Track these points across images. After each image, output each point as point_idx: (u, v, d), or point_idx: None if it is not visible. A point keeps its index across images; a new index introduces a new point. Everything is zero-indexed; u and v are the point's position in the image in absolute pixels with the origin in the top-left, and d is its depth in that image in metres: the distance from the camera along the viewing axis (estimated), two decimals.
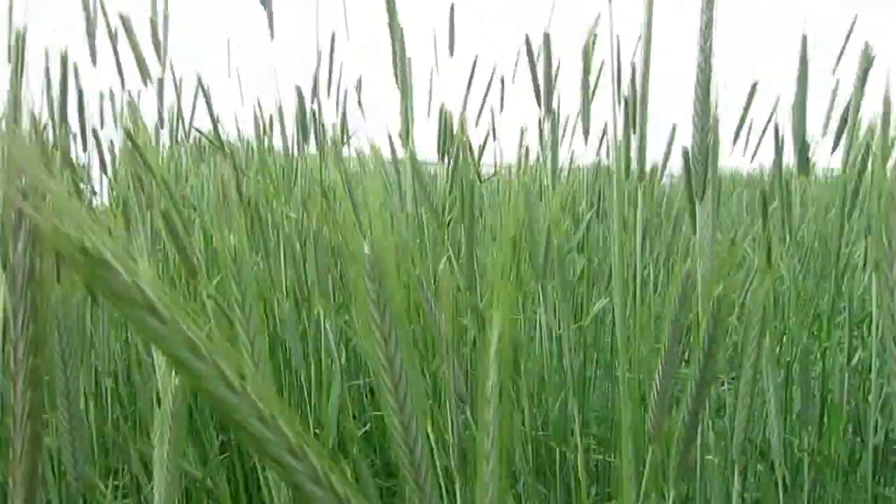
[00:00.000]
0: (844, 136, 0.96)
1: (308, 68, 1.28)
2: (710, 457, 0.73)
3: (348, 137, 1.24)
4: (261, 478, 1.07)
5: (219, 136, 1.45)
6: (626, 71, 1.04)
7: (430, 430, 0.66)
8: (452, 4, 1.15)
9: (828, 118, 0.96)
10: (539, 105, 1.08)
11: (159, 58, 1.38)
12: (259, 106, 1.29)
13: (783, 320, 1.17)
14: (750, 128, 1.43)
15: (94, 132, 1.40)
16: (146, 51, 1.34)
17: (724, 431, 0.91)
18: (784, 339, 1.16)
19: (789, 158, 0.99)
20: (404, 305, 0.61)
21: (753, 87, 1.01)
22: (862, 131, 0.95)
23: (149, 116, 1.53)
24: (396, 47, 0.98)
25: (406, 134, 0.97)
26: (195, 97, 1.49)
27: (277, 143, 1.36)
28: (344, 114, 1.22)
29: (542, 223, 0.96)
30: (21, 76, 1.20)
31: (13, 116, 1.19)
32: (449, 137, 1.09)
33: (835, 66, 1.07)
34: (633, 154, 0.80)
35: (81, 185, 1.33)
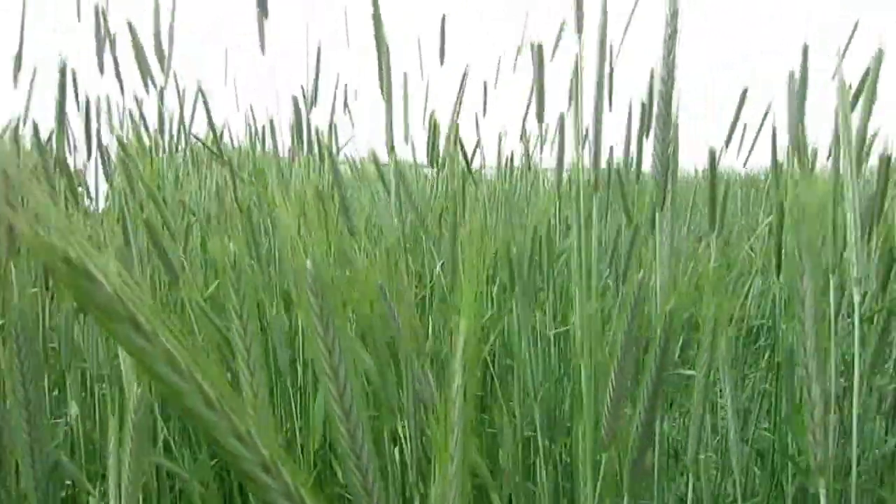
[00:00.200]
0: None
1: (304, 73, 1.30)
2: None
3: (338, 148, 1.27)
4: None
5: (218, 144, 1.47)
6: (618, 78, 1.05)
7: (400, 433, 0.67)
8: (444, 15, 1.17)
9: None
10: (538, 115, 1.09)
11: (162, 68, 1.40)
12: (252, 113, 1.31)
13: (772, 321, 1.18)
14: (744, 131, 1.44)
15: (99, 139, 1.43)
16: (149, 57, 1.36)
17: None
18: (773, 341, 1.16)
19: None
20: (378, 311, 0.62)
21: (744, 93, 1.01)
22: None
23: (149, 120, 1.57)
24: (382, 60, 0.99)
25: (390, 145, 0.99)
26: (195, 104, 1.51)
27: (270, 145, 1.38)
28: (332, 124, 1.24)
29: (528, 229, 0.97)
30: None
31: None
32: (436, 145, 1.11)
33: (835, 72, 1.07)
34: (597, 161, 0.81)
35: (81, 192, 1.36)
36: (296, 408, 1.03)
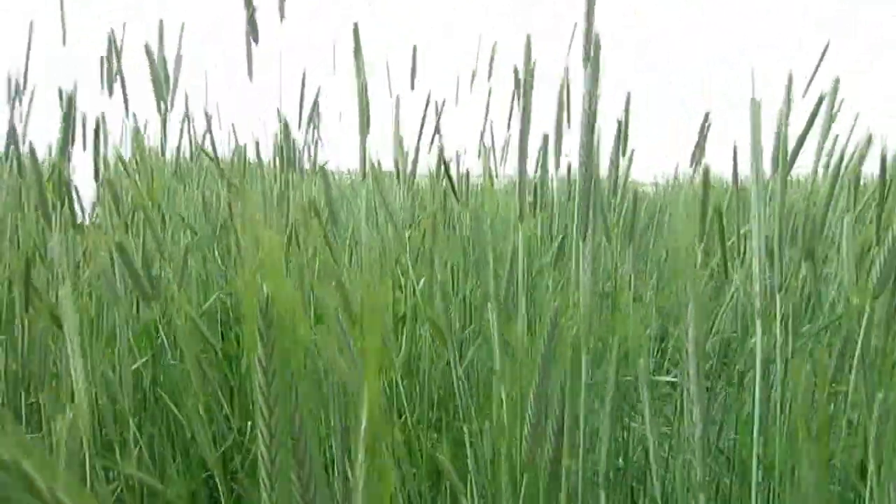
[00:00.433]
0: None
1: (289, 96, 1.34)
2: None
3: (321, 166, 1.31)
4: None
5: (218, 160, 1.53)
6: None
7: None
8: (415, 46, 1.21)
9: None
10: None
11: (167, 92, 1.46)
12: (234, 131, 1.36)
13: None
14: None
15: (105, 160, 1.49)
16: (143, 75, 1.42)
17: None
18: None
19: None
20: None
21: (706, 117, 1.02)
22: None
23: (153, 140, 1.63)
24: (360, 91, 1.03)
25: (363, 168, 1.02)
26: (201, 127, 1.57)
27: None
28: (316, 142, 1.28)
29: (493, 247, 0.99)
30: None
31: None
32: (405, 165, 1.15)
33: (804, 92, 1.07)
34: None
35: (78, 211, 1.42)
36: None
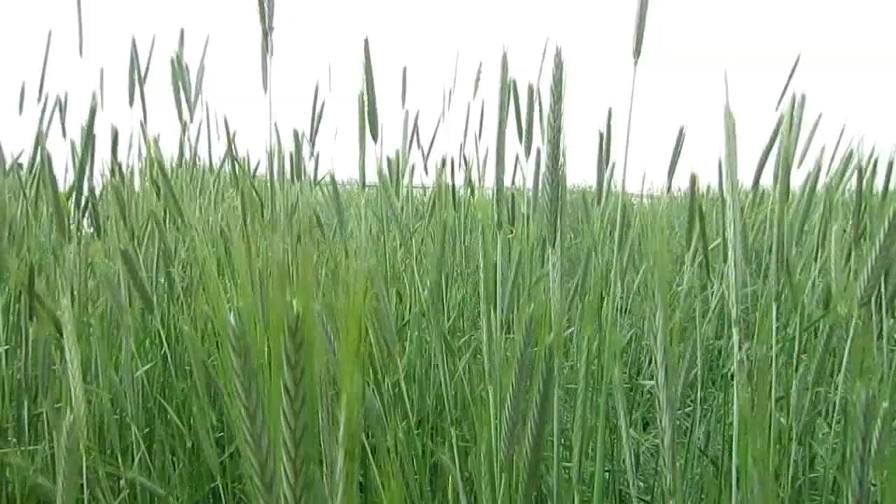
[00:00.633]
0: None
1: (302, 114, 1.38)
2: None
3: (319, 179, 1.34)
4: None
5: (235, 172, 1.57)
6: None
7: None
8: (405, 67, 1.24)
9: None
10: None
11: (191, 103, 1.50)
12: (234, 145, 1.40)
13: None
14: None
15: (121, 170, 1.53)
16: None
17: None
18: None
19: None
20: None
21: (681, 132, 1.04)
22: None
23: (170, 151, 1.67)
24: (368, 105, 1.05)
25: (362, 184, 1.05)
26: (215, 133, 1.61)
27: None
28: (316, 155, 1.32)
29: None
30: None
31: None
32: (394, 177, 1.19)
33: (777, 104, 1.09)
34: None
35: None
36: None
